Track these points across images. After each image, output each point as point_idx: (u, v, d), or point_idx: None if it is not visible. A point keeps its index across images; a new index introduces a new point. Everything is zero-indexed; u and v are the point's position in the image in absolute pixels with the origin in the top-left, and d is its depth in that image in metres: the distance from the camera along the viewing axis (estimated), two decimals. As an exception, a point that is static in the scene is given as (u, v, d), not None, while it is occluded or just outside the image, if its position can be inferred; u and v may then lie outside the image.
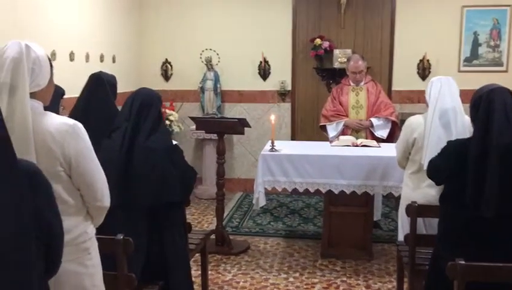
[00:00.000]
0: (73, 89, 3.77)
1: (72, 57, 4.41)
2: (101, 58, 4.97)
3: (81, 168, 1.76)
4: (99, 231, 2.28)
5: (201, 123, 4.23)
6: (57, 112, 2.68)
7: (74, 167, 1.75)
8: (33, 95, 1.71)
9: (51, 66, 1.79)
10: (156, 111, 2.55)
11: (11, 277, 1.01)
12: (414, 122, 3.07)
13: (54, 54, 4.14)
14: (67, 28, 4.35)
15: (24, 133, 1.63)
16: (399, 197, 3.85)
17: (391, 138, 4.59)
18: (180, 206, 2.75)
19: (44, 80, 1.75)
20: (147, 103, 2.53)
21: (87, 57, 4.69)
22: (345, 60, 5.46)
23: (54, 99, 2.65)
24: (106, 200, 1.89)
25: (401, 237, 3.11)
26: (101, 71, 3.03)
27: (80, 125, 1.78)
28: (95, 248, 1.91)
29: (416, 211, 2.75)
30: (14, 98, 1.63)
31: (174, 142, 2.62)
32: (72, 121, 1.76)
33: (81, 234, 1.83)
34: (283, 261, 4.04)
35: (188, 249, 2.92)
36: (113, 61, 5.26)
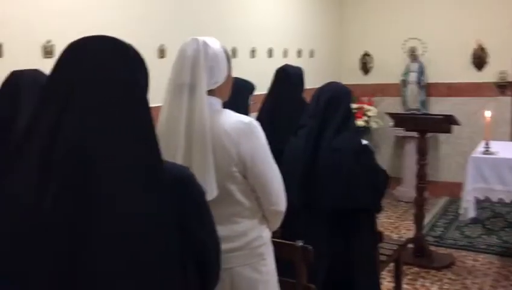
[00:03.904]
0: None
1: (270, 53, 4.47)
2: (299, 54, 4.94)
3: (256, 169, 1.64)
4: (282, 233, 2.18)
5: (400, 120, 3.82)
6: (246, 107, 2.68)
7: (249, 168, 1.64)
8: (211, 92, 1.66)
9: (229, 60, 1.71)
10: (344, 107, 2.32)
11: None
12: None
13: (253, 51, 4.24)
14: (266, 25, 4.41)
15: (202, 131, 1.58)
16: None
17: None
18: (369, 212, 2.46)
19: (222, 76, 1.68)
20: (335, 99, 2.30)
21: (285, 53, 4.70)
22: None
23: (243, 95, 2.66)
24: (281, 204, 1.74)
25: None
26: (286, 64, 2.94)
27: (255, 123, 1.66)
28: (270, 254, 1.78)
29: None
30: (194, 97, 1.60)
31: (364, 142, 2.34)
32: (247, 119, 1.65)
33: (256, 238, 1.71)
34: (496, 284, 3.40)
35: (378, 260, 2.62)
36: (311, 55, 5.19)
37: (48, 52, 2.44)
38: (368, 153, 2.33)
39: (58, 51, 1.02)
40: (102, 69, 0.93)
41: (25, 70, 2.05)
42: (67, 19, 2.55)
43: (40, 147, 0.89)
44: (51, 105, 0.91)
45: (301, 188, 2.31)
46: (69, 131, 0.89)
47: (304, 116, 2.39)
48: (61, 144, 0.88)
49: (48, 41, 2.46)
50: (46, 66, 0.98)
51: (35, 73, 2.01)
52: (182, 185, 1.04)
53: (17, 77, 2.04)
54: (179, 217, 0.99)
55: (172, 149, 1.58)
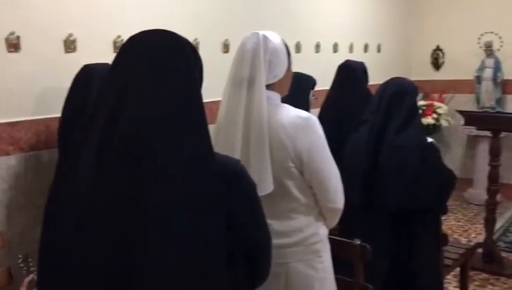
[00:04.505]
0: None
1: (335, 48, 4.40)
2: (365, 48, 4.82)
3: (313, 165, 1.62)
4: (340, 231, 2.15)
5: (471, 118, 3.64)
6: (307, 102, 2.66)
7: (306, 163, 1.61)
8: (270, 86, 1.65)
9: (289, 54, 1.69)
10: (409, 104, 2.24)
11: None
12: None
13: (318, 46, 4.20)
14: (331, 19, 4.33)
15: (259, 125, 1.58)
16: None
17: None
18: (434, 213, 2.37)
19: (282, 70, 1.67)
20: (399, 95, 2.23)
21: (351, 48, 4.61)
22: None
23: (304, 90, 2.65)
24: (339, 202, 1.70)
25: None
26: (347, 60, 2.89)
27: (314, 118, 1.63)
28: (327, 251, 1.76)
29: None
30: (252, 90, 1.59)
31: (430, 140, 2.25)
32: (305, 114, 1.63)
33: (312, 234, 1.70)
34: None
35: (441, 263, 2.51)
36: (378, 50, 5.05)
37: (117, 47, 2.55)
38: (433, 151, 2.24)
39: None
40: (159, 62, 0.96)
41: (96, 64, 2.17)
42: (136, 15, 2.65)
43: (99, 136, 0.93)
44: (110, 95, 0.95)
45: (363, 186, 2.27)
46: (125, 121, 0.92)
47: (366, 112, 2.34)
48: (118, 134, 0.92)
49: (118, 37, 2.57)
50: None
51: (106, 67, 2.12)
52: (234, 179, 1.04)
53: (89, 71, 2.16)
54: (230, 211, 1.00)
55: (231, 142, 1.60)
